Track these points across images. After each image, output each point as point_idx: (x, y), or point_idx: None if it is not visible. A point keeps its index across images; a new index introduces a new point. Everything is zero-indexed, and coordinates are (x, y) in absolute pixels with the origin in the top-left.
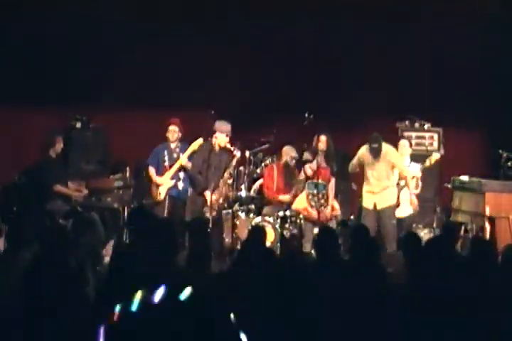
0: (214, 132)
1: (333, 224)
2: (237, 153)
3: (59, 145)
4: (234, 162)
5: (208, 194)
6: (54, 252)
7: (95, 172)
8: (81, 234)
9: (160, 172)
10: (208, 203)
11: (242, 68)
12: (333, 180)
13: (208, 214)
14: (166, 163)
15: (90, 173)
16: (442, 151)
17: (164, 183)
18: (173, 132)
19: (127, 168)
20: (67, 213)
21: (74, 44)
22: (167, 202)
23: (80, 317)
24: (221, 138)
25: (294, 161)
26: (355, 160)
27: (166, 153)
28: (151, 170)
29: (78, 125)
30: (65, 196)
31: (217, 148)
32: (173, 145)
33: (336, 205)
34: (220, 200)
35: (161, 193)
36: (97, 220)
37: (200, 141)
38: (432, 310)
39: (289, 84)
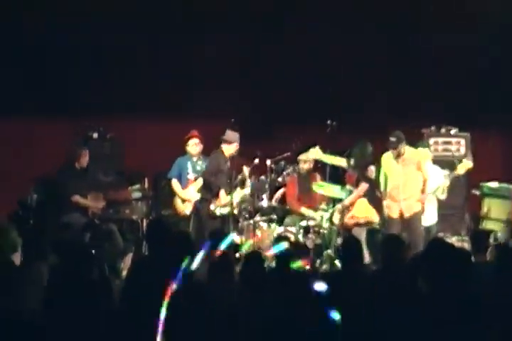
0: (224, 142)
1: (361, 231)
2: (246, 169)
3: (84, 159)
4: (245, 171)
5: (222, 194)
6: (77, 264)
7: (113, 183)
8: (99, 246)
9: (183, 185)
10: (217, 203)
11: (262, 74)
12: (363, 186)
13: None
14: (190, 176)
15: (108, 185)
16: (470, 157)
17: (191, 198)
18: (195, 145)
19: (145, 179)
20: (85, 226)
21: (84, 52)
22: (193, 216)
23: (103, 327)
24: (228, 149)
25: (307, 166)
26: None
27: (189, 165)
28: (176, 184)
29: (95, 135)
30: (82, 208)
31: (227, 156)
32: (195, 158)
33: (371, 211)
34: (218, 209)
35: (188, 208)
36: (115, 232)
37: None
38: (454, 316)
39: (312, 90)
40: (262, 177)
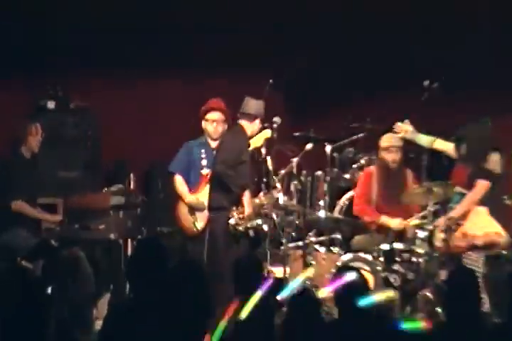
0: (243, 117)
1: (478, 259)
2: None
3: (33, 142)
4: (269, 164)
5: (247, 199)
6: (21, 313)
7: (80, 182)
8: (58, 285)
9: (193, 184)
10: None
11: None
12: (481, 186)
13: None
14: (204, 171)
15: (72, 184)
16: None
17: (205, 205)
18: (217, 123)
19: (131, 176)
20: (35, 250)
21: None
22: (208, 235)
23: None
24: (249, 128)
25: (393, 156)
26: None
27: (203, 154)
28: (181, 184)
29: (51, 105)
30: (30, 222)
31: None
32: (214, 144)
33: (494, 227)
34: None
35: (200, 220)
36: (83, 261)
37: (266, 133)
38: None
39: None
40: (319, 172)
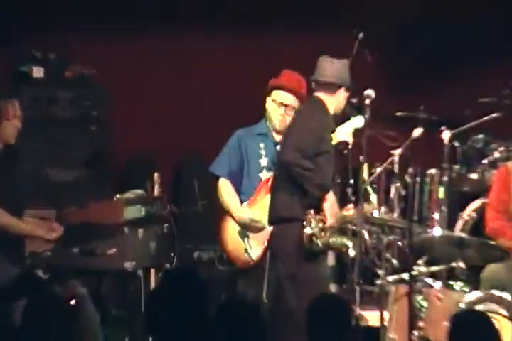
0: (320, 88)
1: None
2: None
3: (10, 125)
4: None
5: (328, 202)
6: None
7: (79, 186)
8: (47, 337)
9: (248, 193)
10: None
11: None
12: None
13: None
14: (265, 174)
15: (67, 190)
16: None
17: (261, 222)
18: (287, 108)
19: (155, 176)
20: (14, 286)
21: None
22: (268, 264)
23: None
24: (332, 103)
25: None
26: None
27: (263, 149)
28: (226, 191)
29: (37, 74)
30: (9, 242)
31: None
32: (278, 137)
33: None
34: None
35: (254, 247)
36: (86, 303)
37: (357, 122)
38: None
39: None
40: (432, 170)
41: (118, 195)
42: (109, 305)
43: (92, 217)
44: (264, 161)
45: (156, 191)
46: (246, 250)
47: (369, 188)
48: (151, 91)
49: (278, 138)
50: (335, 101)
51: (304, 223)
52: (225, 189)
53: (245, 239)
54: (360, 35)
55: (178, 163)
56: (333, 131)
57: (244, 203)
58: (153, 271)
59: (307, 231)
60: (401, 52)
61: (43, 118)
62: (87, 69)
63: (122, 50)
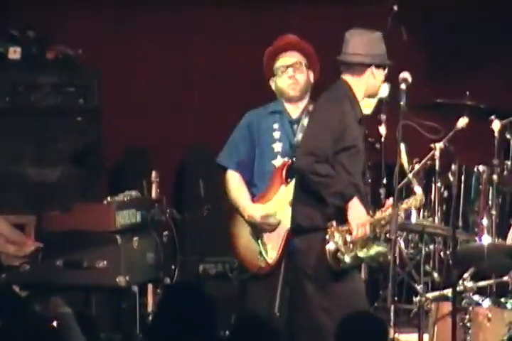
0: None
1: None
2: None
3: None
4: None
5: (354, 210)
6: None
7: (63, 187)
8: None
9: (261, 185)
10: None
11: None
12: None
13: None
14: (278, 161)
15: (50, 191)
16: None
17: (277, 219)
18: (294, 69)
19: (152, 175)
20: None
21: None
22: (283, 272)
23: None
24: (362, 85)
25: None
26: None
27: (277, 130)
28: (235, 184)
29: (13, 55)
30: None
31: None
32: (294, 113)
33: None
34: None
35: (269, 249)
36: (71, 324)
37: (382, 90)
38: None
39: None
40: (480, 167)
41: (109, 198)
42: (99, 327)
43: (79, 223)
44: (278, 146)
45: (154, 193)
46: (260, 253)
47: (411, 177)
48: (147, 77)
49: (295, 112)
50: (364, 84)
51: (327, 237)
52: (234, 182)
53: (259, 241)
54: (395, 8)
55: (179, 160)
56: (361, 119)
57: (256, 197)
58: (150, 286)
59: (330, 246)
60: (444, 29)
61: (20, 107)
62: (71, 50)
63: (114, 27)
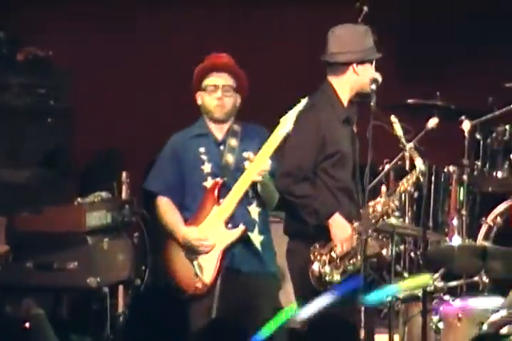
0: (336, 68)
1: None
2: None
3: None
4: (414, 156)
5: (335, 226)
6: None
7: (33, 188)
8: None
9: (193, 206)
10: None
11: None
12: None
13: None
14: (209, 182)
15: (20, 192)
16: None
17: (210, 240)
18: (222, 90)
19: (123, 176)
20: None
21: None
22: (218, 290)
23: None
24: (345, 82)
25: None
26: None
27: (204, 153)
28: (165, 209)
29: None
30: None
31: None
32: (219, 134)
33: None
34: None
35: (205, 269)
36: (43, 325)
37: (300, 105)
38: None
39: None
40: (450, 168)
41: (79, 199)
42: (70, 328)
43: (49, 224)
44: (207, 167)
45: (125, 193)
46: (196, 275)
47: (408, 149)
48: (118, 78)
49: (221, 135)
50: (348, 82)
51: (311, 257)
52: (164, 208)
53: (194, 263)
54: (365, 9)
55: (150, 161)
56: (348, 119)
57: (189, 220)
58: (121, 287)
59: (314, 267)
60: (415, 31)
61: None
62: (42, 51)
63: (85, 28)
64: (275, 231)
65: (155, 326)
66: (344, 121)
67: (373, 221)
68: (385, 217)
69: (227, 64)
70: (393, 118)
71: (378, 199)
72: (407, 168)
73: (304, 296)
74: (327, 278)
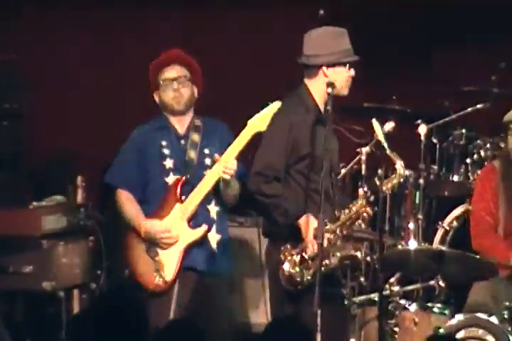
0: (310, 71)
1: None
2: (385, 129)
3: None
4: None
5: (311, 221)
6: None
7: None
8: None
9: (154, 201)
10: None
11: None
12: None
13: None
14: (171, 178)
15: None
16: None
17: (175, 234)
18: (179, 83)
19: (78, 180)
20: None
21: None
22: (177, 288)
23: None
24: (316, 86)
25: None
26: None
27: (165, 147)
28: (125, 202)
29: None
30: None
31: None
32: (180, 128)
33: None
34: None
35: (165, 269)
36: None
37: (275, 106)
38: None
39: None
40: (406, 172)
41: (34, 203)
42: (24, 333)
43: (4, 228)
44: (169, 162)
45: (80, 197)
46: (157, 271)
47: (389, 152)
48: (73, 80)
49: (182, 129)
50: (321, 85)
51: (281, 258)
52: (124, 201)
53: (155, 259)
54: (321, 12)
55: (106, 164)
56: (324, 119)
57: (150, 214)
58: (76, 292)
59: (285, 267)
60: (370, 34)
61: None
62: None
63: (41, 28)
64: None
65: (110, 330)
66: (318, 123)
67: (348, 223)
68: (359, 221)
69: (177, 56)
70: (374, 121)
71: (355, 202)
72: (363, 172)
73: (276, 297)
74: (298, 279)
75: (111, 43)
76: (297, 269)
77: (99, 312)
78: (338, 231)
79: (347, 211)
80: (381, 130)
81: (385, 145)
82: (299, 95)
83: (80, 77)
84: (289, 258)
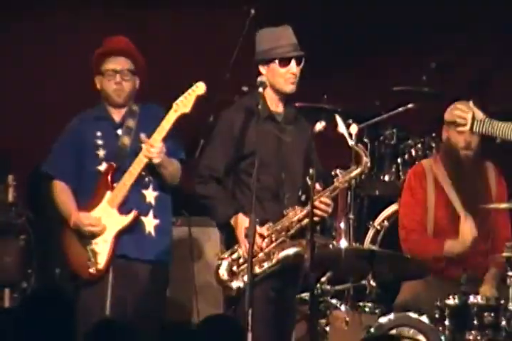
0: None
1: None
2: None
3: None
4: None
5: (241, 220)
6: None
7: None
8: None
9: (87, 192)
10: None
11: None
12: None
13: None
14: (103, 166)
15: None
16: None
17: (101, 225)
18: (121, 75)
19: (9, 179)
20: None
21: None
22: (111, 276)
23: None
24: (277, 77)
25: (464, 142)
26: None
27: (100, 137)
28: (60, 193)
29: None
30: None
31: (273, 109)
32: (117, 117)
33: None
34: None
35: (98, 258)
36: None
37: (200, 87)
38: None
39: None
40: (337, 171)
41: None
42: None
43: None
44: (102, 153)
45: (10, 196)
46: (90, 259)
47: (353, 144)
48: (3, 78)
49: (119, 117)
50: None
51: (218, 262)
52: (59, 191)
53: (88, 248)
54: (252, 12)
55: (35, 163)
56: (272, 116)
57: (83, 204)
58: (7, 290)
59: (221, 272)
60: (303, 34)
61: None
62: None
63: None
64: None
65: (41, 329)
66: (267, 121)
67: (294, 224)
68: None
69: (124, 48)
70: (337, 117)
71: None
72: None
73: (225, 300)
74: (228, 284)
75: (43, 42)
76: (228, 273)
77: (30, 311)
78: (283, 232)
79: (293, 211)
80: (343, 124)
81: (348, 139)
82: (252, 92)
83: (10, 76)
84: (222, 261)
